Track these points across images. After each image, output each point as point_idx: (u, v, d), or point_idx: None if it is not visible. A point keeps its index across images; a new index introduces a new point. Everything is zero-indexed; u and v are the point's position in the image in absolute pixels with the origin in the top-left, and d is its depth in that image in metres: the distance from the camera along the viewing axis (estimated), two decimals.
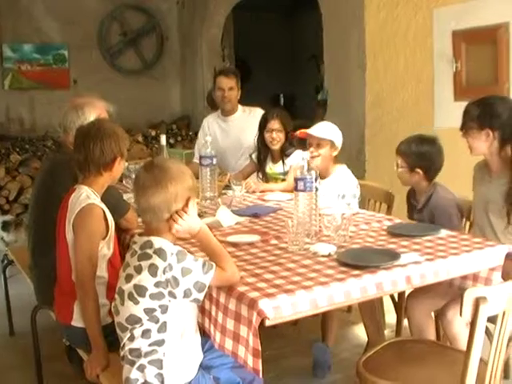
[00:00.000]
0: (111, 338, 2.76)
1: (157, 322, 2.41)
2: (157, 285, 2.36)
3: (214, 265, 2.44)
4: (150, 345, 2.42)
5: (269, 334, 2.91)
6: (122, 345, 2.50)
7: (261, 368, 2.31)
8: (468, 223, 3.74)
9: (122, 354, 2.51)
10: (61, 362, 3.65)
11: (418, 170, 3.61)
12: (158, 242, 2.42)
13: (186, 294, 2.37)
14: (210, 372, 2.57)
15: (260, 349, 2.30)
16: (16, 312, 4.59)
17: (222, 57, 9.62)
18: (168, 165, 2.54)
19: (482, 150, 3.38)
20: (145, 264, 2.39)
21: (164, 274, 2.34)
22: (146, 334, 2.42)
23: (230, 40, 9.90)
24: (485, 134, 3.31)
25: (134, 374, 2.44)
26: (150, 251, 2.40)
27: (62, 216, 2.99)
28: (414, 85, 5.65)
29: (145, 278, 2.38)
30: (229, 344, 2.44)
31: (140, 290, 2.40)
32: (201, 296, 2.39)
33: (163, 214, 2.46)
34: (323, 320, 3.84)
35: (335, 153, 4.09)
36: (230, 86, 5.22)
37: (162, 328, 2.42)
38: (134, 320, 2.42)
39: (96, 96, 3.78)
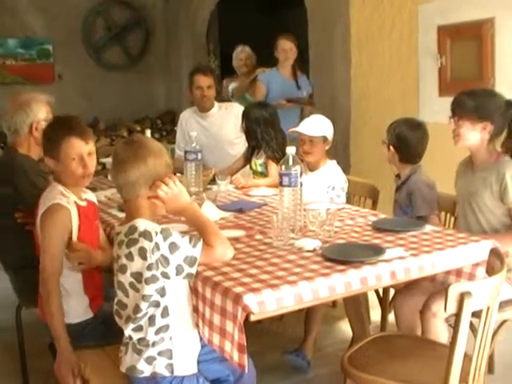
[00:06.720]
0: (95, 332, 2.75)
1: (157, 305, 2.42)
2: (149, 268, 2.36)
3: (200, 239, 2.43)
4: (156, 332, 2.43)
5: (254, 329, 2.90)
6: (127, 335, 2.48)
7: (246, 363, 2.30)
8: (453, 218, 3.76)
9: (126, 341, 2.50)
10: (45, 359, 3.62)
11: (392, 148, 3.69)
12: (141, 224, 2.41)
13: (178, 271, 2.37)
14: (199, 365, 2.57)
15: (245, 344, 2.29)
16: (0, 307, 4.55)
17: (207, 52, 9.60)
18: (147, 141, 2.57)
19: (473, 142, 3.36)
20: (134, 249, 2.38)
21: (153, 254, 2.34)
22: (151, 321, 2.43)
23: (214, 35, 9.87)
24: (481, 127, 3.31)
25: (142, 364, 2.45)
26: (135, 236, 2.38)
27: (36, 213, 2.94)
28: (399, 80, 5.66)
29: (138, 264, 2.38)
30: (216, 339, 2.44)
31: (137, 276, 2.40)
32: (193, 270, 2.39)
33: (141, 188, 2.46)
34: (306, 317, 3.81)
35: (328, 146, 4.12)
36: (208, 84, 5.21)
37: (165, 312, 2.44)
38: (138, 309, 2.41)
39: (35, 91, 3.75)
